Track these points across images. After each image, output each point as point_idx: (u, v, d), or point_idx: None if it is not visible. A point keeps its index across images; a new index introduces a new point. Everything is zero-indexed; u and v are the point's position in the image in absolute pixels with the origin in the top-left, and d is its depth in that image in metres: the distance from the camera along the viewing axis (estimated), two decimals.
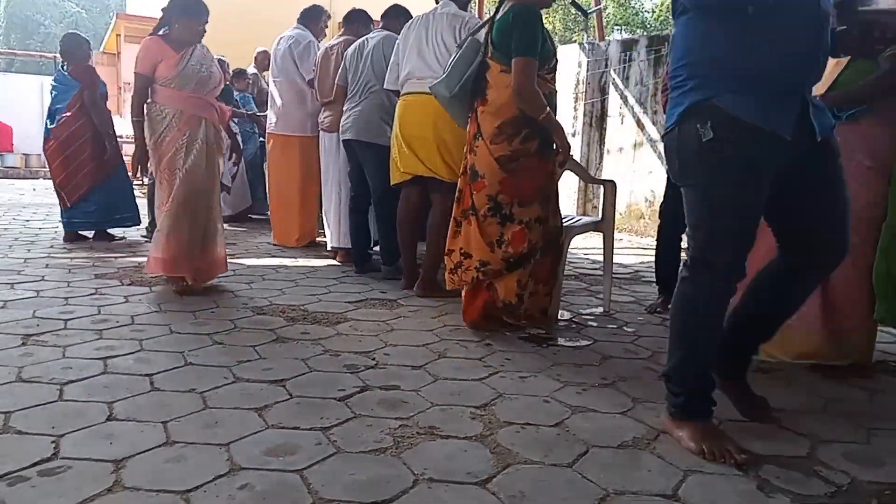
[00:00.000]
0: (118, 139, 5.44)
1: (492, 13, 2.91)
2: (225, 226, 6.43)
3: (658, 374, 2.14)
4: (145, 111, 3.46)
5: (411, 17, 3.92)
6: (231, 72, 6.78)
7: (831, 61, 2.60)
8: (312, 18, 5.15)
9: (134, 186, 5.70)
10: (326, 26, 5.19)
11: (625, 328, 3.13)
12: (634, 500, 1.56)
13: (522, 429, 1.94)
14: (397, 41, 3.68)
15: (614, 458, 1.78)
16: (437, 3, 3.61)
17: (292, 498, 1.51)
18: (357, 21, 4.59)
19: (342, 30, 4.69)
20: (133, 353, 2.51)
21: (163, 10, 3.53)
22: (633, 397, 2.22)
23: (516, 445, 1.82)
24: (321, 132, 4.66)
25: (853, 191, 2.42)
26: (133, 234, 5.66)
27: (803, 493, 1.61)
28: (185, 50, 3.48)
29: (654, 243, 3.52)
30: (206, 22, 3.56)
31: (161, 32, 3.54)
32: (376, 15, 4.50)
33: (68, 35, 5.35)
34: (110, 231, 5.34)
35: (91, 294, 3.43)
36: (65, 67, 5.12)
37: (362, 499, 1.51)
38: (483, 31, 2.95)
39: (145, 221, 5.62)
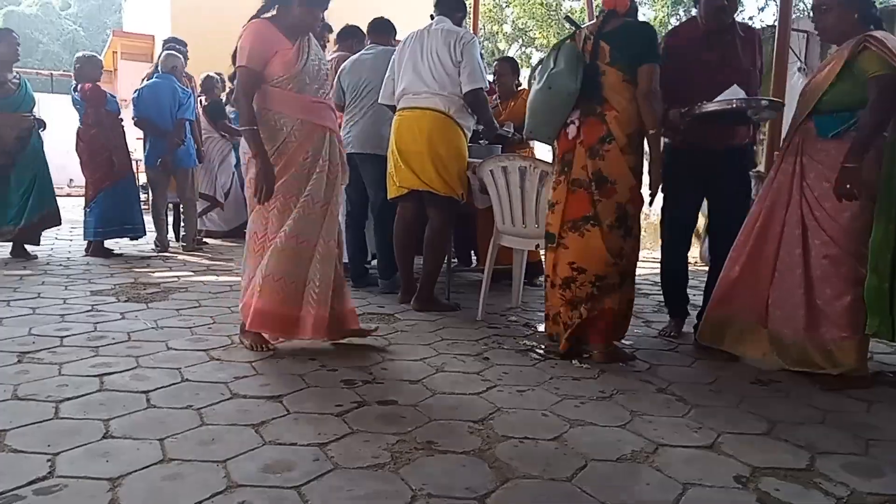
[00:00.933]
0: (129, 153, 5.61)
1: (595, 22, 2.86)
2: (219, 241, 6.56)
3: None
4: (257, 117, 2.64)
5: (394, 31, 3.96)
6: (227, 88, 6.83)
7: (818, 79, 2.61)
8: None
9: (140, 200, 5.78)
10: (322, 38, 5.15)
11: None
12: None
13: (521, 443, 1.93)
14: (392, 57, 3.71)
15: (613, 471, 1.77)
16: (431, 19, 3.64)
17: None
18: (351, 37, 4.62)
19: (336, 46, 4.71)
20: (129, 369, 2.50)
21: None
22: (631, 410, 2.21)
23: (515, 460, 1.81)
24: None
25: (839, 205, 2.47)
26: (129, 248, 5.66)
27: None
28: (301, 40, 2.67)
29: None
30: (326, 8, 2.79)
31: (268, 15, 2.68)
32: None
33: (79, 57, 5.44)
34: (107, 247, 5.38)
35: (87, 311, 3.42)
36: (77, 87, 5.24)
37: None
38: (568, 43, 2.81)
39: (151, 236, 5.70)
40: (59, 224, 5.32)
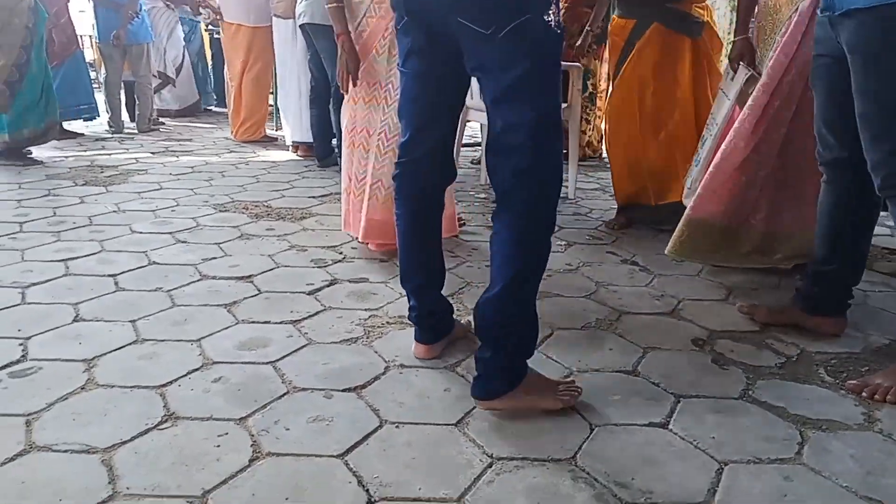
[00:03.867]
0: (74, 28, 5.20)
1: None
2: (174, 121, 6.33)
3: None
4: None
5: None
6: None
7: None
8: None
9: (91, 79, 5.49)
10: None
11: (589, 214, 3.17)
12: (596, 376, 1.64)
13: None
14: None
15: (578, 339, 1.84)
16: None
17: (267, 388, 1.54)
18: None
19: None
20: (94, 253, 2.46)
21: None
22: (596, 281, 2.28)
23: None
24: (274, 19, 4.41)
25: None
26: (83, 130, 5.43)
27: (755, 365, 1.70)
28: None
29: None
30: None
31: None
32: None
33: None
34: (69, 128, 5.17)
35: (44, 195, 3.32)
36: None
37: (336, 386, 1.56)
38: None
39: (105, 116, 5.48)
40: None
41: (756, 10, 2.33)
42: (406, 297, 1.72)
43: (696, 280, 2.32)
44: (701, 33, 2.67)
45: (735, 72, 2.37)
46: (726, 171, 2.19)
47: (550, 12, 1.34)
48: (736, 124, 2.19)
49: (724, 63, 2.61)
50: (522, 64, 1.33)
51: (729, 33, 2.80)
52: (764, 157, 2.18)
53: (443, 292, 1.73)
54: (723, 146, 2.21)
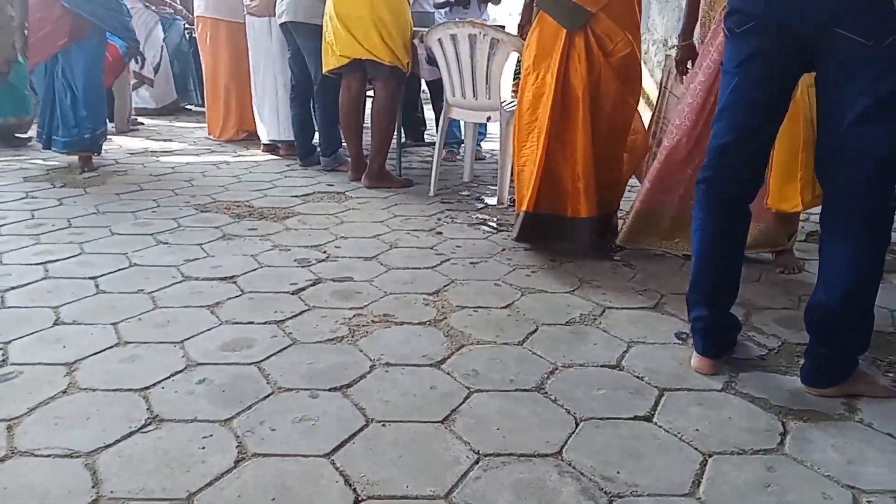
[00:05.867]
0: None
1: None
2: (153, 120, 6.26)
3: None
4: None
5: None
6: None
7: None
8: None
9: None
10: None
11: None
12: (581, 371, 1.65)
13: (475, 312, 1.99)
14: None
15: (562, 334, 1.85)
16: None
17: (252, 389, 1.53)
18: None
19: None
20: (74, 256, 2.43)
21: None
22: (580, 277, 2.29)
23: (469, 328, 1.87)
24: (247, 17, 4.35)
25: None
26: None
27: (738, 357, 1.72)
28: None
29: None
30: None
31: None
32: None
33: None
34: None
35: (22, 198, 3.27)
36: None
37: (321, 385, 1.55)
38: None
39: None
40: None
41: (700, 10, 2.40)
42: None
43: (679, 274, 2.33)
44: (583, 25, 2.27)
45: (684, 76, 2.48)
46: (674, 165, 2.33)
47: None
48: (677, 121, 2.33)
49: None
50: None
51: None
52: (705, 152, 2.24)
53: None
54: (666, 142, 2.34)
